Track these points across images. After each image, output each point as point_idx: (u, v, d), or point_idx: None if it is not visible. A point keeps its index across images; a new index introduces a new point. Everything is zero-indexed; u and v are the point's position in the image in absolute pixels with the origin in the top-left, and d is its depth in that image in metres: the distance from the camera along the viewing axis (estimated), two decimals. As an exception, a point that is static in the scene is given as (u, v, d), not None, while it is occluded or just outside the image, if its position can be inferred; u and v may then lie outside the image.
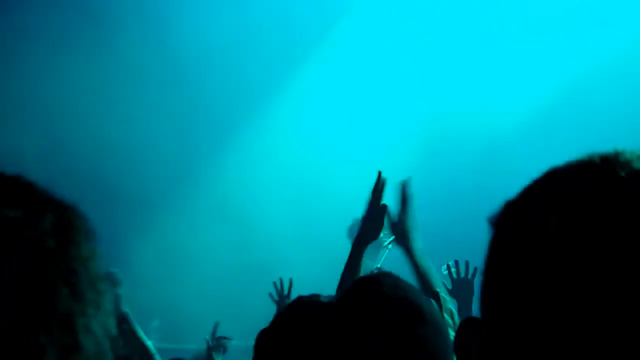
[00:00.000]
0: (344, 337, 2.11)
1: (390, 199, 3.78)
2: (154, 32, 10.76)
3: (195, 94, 10.82)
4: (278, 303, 5.24)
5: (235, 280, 9.56)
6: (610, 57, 10.56)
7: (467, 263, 4.72)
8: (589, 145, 1.11)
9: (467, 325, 1.11)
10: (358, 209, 3.97)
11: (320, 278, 4.39)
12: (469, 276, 4.71)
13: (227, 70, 10.73)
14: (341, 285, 3.46)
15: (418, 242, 3.78)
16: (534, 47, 11.09)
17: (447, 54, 11.22)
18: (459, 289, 4.67)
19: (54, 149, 9.93)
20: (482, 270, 1.07)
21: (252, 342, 2.46)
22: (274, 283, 5.42)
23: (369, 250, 3.70)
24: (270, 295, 5.38)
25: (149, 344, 4.91)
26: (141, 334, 5.02)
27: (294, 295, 4.65)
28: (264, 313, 4.19)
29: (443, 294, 3.28)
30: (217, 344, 5.29)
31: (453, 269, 4.74)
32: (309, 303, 2.46)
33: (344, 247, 3.90)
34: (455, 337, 1.13)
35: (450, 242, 6.98)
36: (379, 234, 3.74)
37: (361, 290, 2.23)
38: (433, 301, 2.24)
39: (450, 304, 3.27)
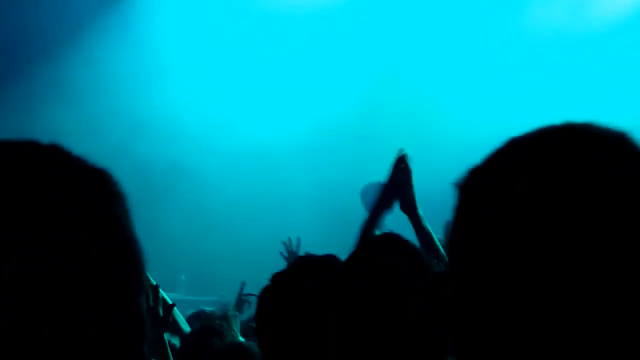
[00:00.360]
0: (338, 298, 2.01)
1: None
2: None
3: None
4: (288, 260, 5.17)
5: (255, 241, 9.52)
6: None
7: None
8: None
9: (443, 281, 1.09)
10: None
11: (333, 239, 4.32)
12: None
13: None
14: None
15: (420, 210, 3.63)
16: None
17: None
18: None
19: (94, 122, 9.93)
20: (448, 232, 1.04)
21: None
22: (283, 242, 5.42)
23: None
24: (281, 253, 5.38)
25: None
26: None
27: (302, 253, 4.65)
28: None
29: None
30: (244, 299, 5.27)
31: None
32: (309, 262, 2.39)
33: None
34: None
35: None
36: (398, 201, 3.59)
37: (361, 252, 2.20)
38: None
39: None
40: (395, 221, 3.67)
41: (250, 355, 3.13)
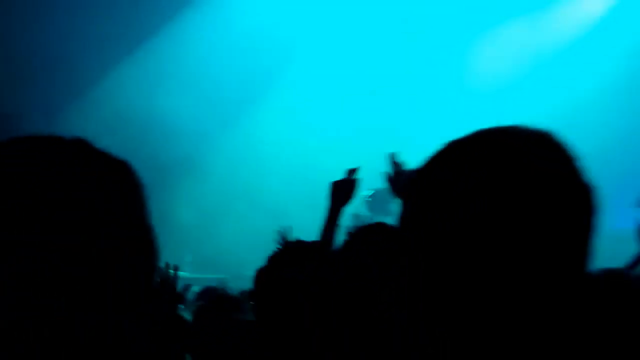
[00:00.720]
0: (314, 289, 2.05)
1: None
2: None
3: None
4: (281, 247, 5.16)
5: (253, 227, 9.49)
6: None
7: None
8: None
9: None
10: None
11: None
12: None
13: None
14: None
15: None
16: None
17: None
18: None
19: (117, 121, 9.91)
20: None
21: None
22: (278, 231, 5.37)
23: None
24: (277, 240, 5.32)
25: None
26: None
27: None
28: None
29: None
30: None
31: None
32: (295, 249, 2.40)
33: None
34: None
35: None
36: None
37: (345, 244, 2.19)
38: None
39: None
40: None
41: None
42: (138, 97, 10.05)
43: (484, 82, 10.75)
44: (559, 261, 0.95)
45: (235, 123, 10.51)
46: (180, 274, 3.09)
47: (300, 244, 2.46)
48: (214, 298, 3.80)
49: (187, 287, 3.59)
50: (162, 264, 3.27)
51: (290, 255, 2.36)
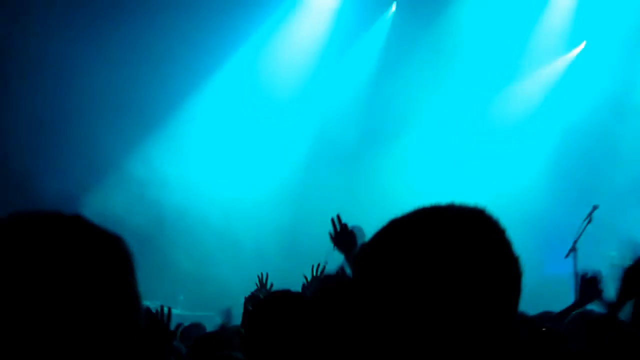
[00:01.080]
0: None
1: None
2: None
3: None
4: (259, 290, 4.66)
5: (238, 272, 9.31)
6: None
7: None
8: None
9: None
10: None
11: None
12: None
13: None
14: None
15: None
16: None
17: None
18: None
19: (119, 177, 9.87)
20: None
21: None
22: (258, 276, 4.81)
23: None
24: (256, 284, 4.75)
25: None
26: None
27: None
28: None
29: None
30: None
31: None
32: (276, 299, 2.42)
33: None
34: None
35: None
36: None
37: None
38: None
39: None
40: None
41: None
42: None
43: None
44: (486, 318, 0.96)
45: (227, 180, 10.47)
46: (174, 311, 3.09)
47: (278, 295, 2.46)
48: (205, 336, 3.73)
49: (179, 325, 3.55)
50: (158, 303, 3.26)
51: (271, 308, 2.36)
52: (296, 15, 10.46)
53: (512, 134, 10.73)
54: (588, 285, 3.77)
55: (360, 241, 3.46)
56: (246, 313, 3.10)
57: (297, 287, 3.99)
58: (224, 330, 3.95)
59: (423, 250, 0.97)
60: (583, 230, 5.70)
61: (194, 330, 4.61)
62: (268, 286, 4.23)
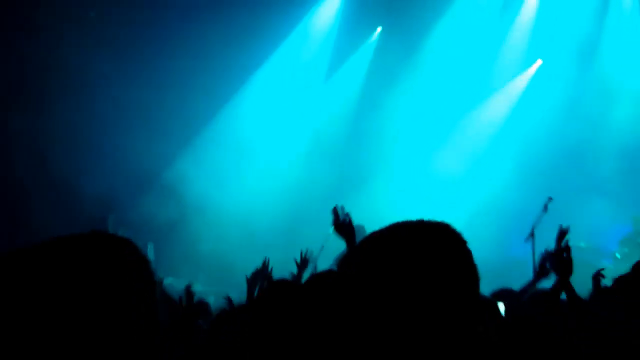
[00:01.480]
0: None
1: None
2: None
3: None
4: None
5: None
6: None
7: None
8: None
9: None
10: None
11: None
12: None
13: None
14: None
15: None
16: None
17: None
18: None
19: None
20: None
21: None
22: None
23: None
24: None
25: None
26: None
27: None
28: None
29: None
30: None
31: None
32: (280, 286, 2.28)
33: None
34: None
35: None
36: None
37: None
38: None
39: None
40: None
41: None
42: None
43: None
44: (451, 305, 0.99)
45: (240, 178, 10.54)
46: (196, 288, 3.09)
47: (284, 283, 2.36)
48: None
49: (203, 305, 3.52)
50: (183, 280, 3.27)
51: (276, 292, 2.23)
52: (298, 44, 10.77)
53: (485, 141, 10.81)
54: (543, 265, 3.84)
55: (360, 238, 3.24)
56: (251, 290, 3.05)
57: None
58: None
59: (398, 258, 1.01)
60: (540, 219, 5.81)
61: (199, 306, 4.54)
62: (269, 269, 4.12)
